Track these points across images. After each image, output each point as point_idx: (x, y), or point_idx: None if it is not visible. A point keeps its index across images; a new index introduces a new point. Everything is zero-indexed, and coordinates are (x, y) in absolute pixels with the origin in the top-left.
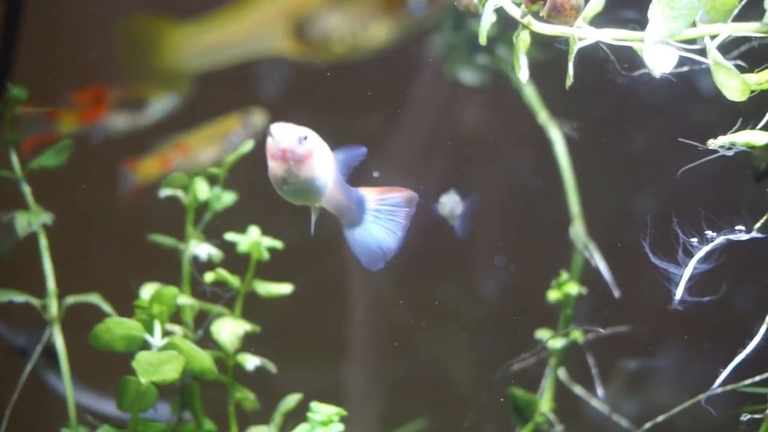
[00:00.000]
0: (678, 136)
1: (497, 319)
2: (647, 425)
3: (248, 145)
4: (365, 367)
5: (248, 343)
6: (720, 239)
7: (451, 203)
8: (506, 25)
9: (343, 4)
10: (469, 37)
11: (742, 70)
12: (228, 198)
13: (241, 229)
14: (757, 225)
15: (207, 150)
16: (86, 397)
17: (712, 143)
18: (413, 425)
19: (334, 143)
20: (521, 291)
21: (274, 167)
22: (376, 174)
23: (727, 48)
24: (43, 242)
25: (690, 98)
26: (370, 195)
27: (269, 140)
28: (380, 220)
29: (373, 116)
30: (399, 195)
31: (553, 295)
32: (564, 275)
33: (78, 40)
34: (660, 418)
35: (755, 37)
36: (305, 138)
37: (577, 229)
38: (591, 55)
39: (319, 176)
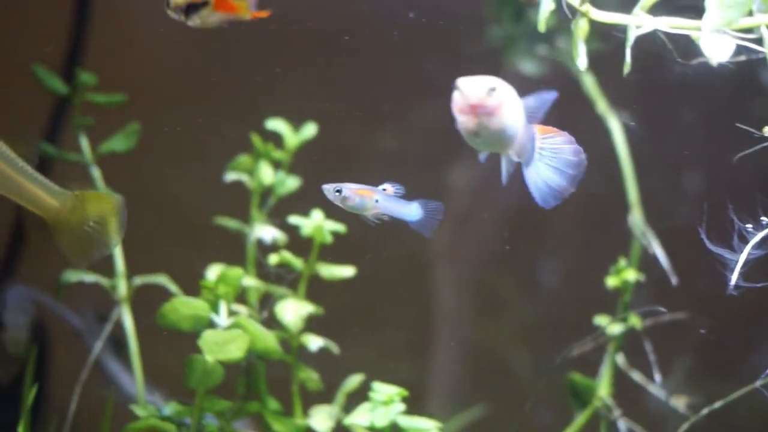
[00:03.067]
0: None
1: (560, 308)
2: (704, 411)
3: (311, 130)
4: (430, 353)
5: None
6: None
7: (330, 194)
8: (565, 16)
9: None
10: (528, 28)
11: None
12: (292, 183)
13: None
14: None
15: None
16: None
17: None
18: (472, 411)
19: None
20: (583, 279)
21: (465, 121)
22: None
23: None
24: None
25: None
26: (536, 133)
27: (456, 94)
28: (543, 158)
29: None
30: (560, 137)
31: (611, 281)
32: (622, 262)
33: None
34: (717, 404)
35: None
36: (493, 89)
37: (635, 217)
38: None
39: (510, 125)
